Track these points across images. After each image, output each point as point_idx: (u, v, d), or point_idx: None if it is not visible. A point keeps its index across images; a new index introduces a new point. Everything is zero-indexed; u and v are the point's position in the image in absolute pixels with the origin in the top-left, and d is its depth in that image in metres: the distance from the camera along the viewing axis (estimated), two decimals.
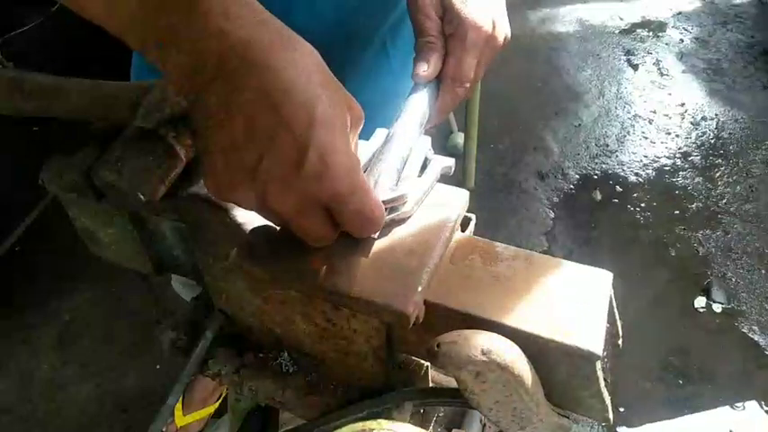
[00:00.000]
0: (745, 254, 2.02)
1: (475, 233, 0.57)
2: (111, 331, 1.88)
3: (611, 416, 0.49)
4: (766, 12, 3.09)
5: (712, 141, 2.43)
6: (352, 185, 0.43)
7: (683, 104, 2.60)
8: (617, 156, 2.40)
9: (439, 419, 0.65)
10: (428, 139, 0.57)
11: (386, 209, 0.50)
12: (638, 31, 3.02)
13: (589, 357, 0.44)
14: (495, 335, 0.44)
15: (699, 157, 2.37)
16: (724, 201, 2.20)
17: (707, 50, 2.87)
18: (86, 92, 0.51)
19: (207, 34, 0.39)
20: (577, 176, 2.33)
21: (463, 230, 0.56)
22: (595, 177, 2.32)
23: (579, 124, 2.55)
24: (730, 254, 2.03)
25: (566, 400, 0.49)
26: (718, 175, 2.30)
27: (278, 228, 0.50)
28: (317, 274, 0.48)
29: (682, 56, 2.85)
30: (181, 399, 1.58)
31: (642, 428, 1.56)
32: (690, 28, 3.02)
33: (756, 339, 1.80)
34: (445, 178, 0.56)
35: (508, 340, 0.44)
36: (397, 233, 0.51)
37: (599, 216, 2.18)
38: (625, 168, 2.34)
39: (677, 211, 2.18)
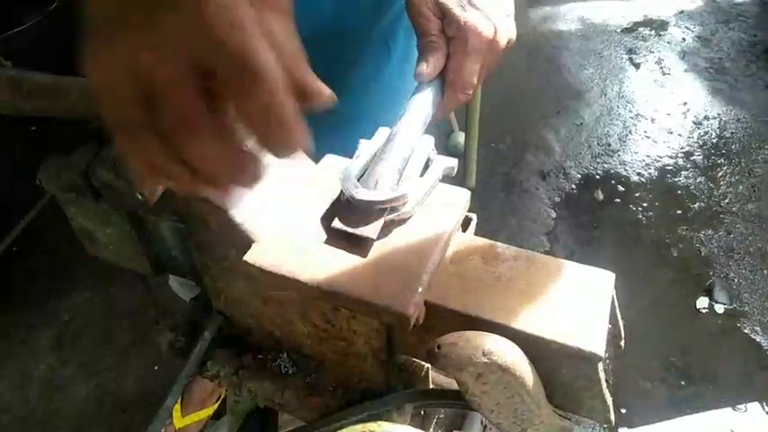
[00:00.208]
0: (747, 254, 2.02)
1: (476, 233, 0.57)
2: (109, 332, 1.87)
3: (612, 417, 0.49)
4: None
5: (714, 141, 2.43)
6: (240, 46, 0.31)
7: (685, 103, 2.59)
8: (619, 155, 2.39)
9: (439, 421, 0.65)
10: (431, 139, 0.57)
11: (386, 209, 0.50)
12: (641, 29, 3.01)
13: (591, 358, 0.43)
14: (496, 336, 0.44)
15: (701, 157, 2.36)
16: (726, 200, 2.20)
17: (709, 49, 2.87)
18: (85, 91, 0.51)
19: None
20: (579, 176, 2.32)
21: (464, 230, 0.56)
22: (597, 177, 2.31)
23: (581, 123, 2.54)
24: (732, 254, 2.02)
25: (567, 402, 0.49)
26: (720, 174, 2.29)
27: (278, 228, 0.49)
28: (316, 274, 0.47)
29: (684, 55, 2.84)
30: (179, 400, 1.57)
31: (644, 429, 1.55)
32: (692, 27, 3.01)
33: (759, 340, 1.80)
34: (446, 178, 0.56)
35: (509, 341, 0.44)
36: (398, 233, 0.50)
37: (601, 216, 2.18)
38: (627, 168, 2.34)
39: (679, 211, 2.17)
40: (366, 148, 0.56)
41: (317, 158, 0.59)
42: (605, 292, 0.47)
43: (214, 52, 0.31)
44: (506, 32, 0.62)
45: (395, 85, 0.89)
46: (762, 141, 2.41)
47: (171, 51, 0.31)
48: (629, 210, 2.18)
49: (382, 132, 0.58)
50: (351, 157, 0.56)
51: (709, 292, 1.91)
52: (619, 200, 2.22)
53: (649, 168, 2.33)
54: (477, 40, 0.58)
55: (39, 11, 1.96)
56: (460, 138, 2.28)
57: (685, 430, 1.54)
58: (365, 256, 0.48)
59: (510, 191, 2.29)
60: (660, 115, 2.55)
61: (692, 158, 2.36)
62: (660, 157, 2.37)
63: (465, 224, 0.56)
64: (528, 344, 0.44)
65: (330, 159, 0.58)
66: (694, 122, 2.51)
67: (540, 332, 0.45)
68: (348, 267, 0.48)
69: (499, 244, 0.53)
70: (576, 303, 0.46)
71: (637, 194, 2.23)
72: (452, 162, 0.56)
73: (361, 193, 0.50)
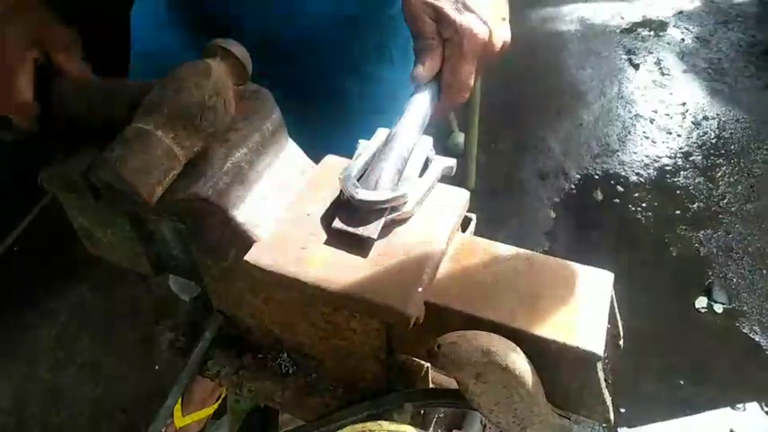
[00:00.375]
0: (746, 254, 2.02)
1: (475, 233, 0.57)
2: (110, 332, 1.87)
3: (611, 417, 0.49)
4: (767, 11, 3.08)
5: (713, 141, 2.43)
6: None
7: (684, 104, 2.59)
8: (618, 155, 2.39)
9: (439, 420, 0.65)
10: (430, 140, 0.57)
11: (386, 209, 0.50)
12: (640, 30, 3.02)
13: (590, 358, 0.44)
14: (495, 336, 0.44)
15: (700, 157, 2.36)
16: (725, 201, 2.20)
17: (708, 50, 2.87)
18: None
19: None
20: (578, 176, 2.32)
21: (464, 230, 0.56)
22: (596, 177, 2.31)
23: (580, 124, 2.54)
24: (731, 254, 2.02)
25: (567, 401, 0.49)
26: (719, 174, 2.29)
27: (278, 228, 0.49)
28: (316, 274, 0.47)
29: (683, 55, 2.85)
30: (180, 399, 1.57)
31: (643, 429, 1.55)
32: (691, 27, 3.01)
33: (757, 340, 1.80)
34: (446, 178, 0.56)
35: (509, 341, 0.44)
36: (398, 233, 0.51)
37: (600, 216, 2.18)
38: (626, 168, 2.34)
39: (678, 211, 2.17)
40: (366, 148, 0.56)
41: (317, 158, 0.59)
42: (604, 291, 0.48)
43: None
44: (501, 35, 0.62)
45: (393, 87, 0.89)
46: (761, 142, 2.41)
47: None
48: (628, 210, 2.19)
49: (382, 133, 0.58)
50: (351, 157, 0.56)
51: (708, 292, 1.91)
52: (618, 200, 2.22)
53: (648, 168, 2.33)
54: (471, 43, 0.59)
55: None
56: (460, 138, 2.28)
57: (685, 430, 1.54)
58: (365, 256, 0.49)
59: (509, 191, 2.29)
60: (659, 116, 2.55)
61: (690, 159, 2.36)
62: (659, 158, 2.37)
63: (465, 224, 0.56)
64: (527, 344, 0.45)
65: (330, 159, 0.58)
66: (693, 123, 2.51)
67: (540, 332, 0.45)
68: (348, 267, 0.48)
69: (499, 244, 0.53)
70: (575, 303, 0.47)
71: (636, 195, 2.24)
72: (451, 162, 0.56)
73: (361, 193, 0.50)
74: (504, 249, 0.52)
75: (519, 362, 0.44)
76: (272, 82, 0.60)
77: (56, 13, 0.63)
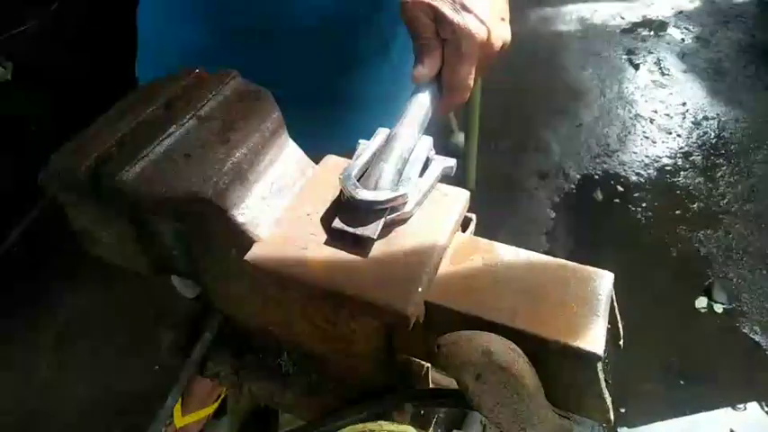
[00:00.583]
0: (746, 254, 2.02)
1: (475, 233, 0.57)
2: (110, 331, 1.87)
3: (612, 417, 0.49)
4: (767, 11, 3.08)
5: (713, 141, 2.43)
6: None
7: (684, 104, 2.59)
8: (618, 155, 2.39)
9: (439, 420, 0.65)
10: (430, 140, 0.57)
11: (386, 209, 0.50)
12: (640, 30, 3.02)
13: (590, 358, 0.44)
14: (495, 336, 0.44)
15: (700, 157, 2.36)
16: (725, 201, 2.20)
17: (708, 50, 2.87)
18: None
19: None
20: (578, 176, 2.32)
21: (463, 231, 0.56)
22: (596, 177, 2.31)
23: (580, 124, 2.54)
24: (731, 254, 2.02)
25: (567, 401, 0.49)
26: (719, 175, 2.29)
27: (278, 228, 0.49)
28: (316, 274, 0.47)
29: (683, 55, 2.85)
30: (180, 399, 1.57)
31: (643, 429, 1.55)
32: (691, 27, 3.01)
33: (758, 340, 1.80)
34: (446, 178, 0.56)
35: (509, 341, 0.44)
36: (398, 233, 0.51)
37: (600, 216, 2.18)
38: (626, 168, 2.34)
39: (678, 211, 2.17)
40: (366, 148, 0.56)
41: (317, 158, 0.59)
42: (604, 291, 0.48)
43: None
44: (500, 35, 0.62)
45: (393, 87, 0.89)
46: (760, 142, 2.42)
47: None
48: (628, 210, 2.19)
49: (382, 133, 0.58)
50: (351, 157, 0.56)
51: (708, 292, 1.91)
52: (618, 200, 2.23)
53: (648, 169, 2.33)
54: (470, 43, 0.58)
55: (40, 11, 1.96)
56: (460, 138, 2.28)
57: (685, 430, 1.54)
58: (365, 256, 0.49)
59: (509, 191, 2.29)
60: (659, 116, 2.55)
61: (690, 159, 2.36)
62: (659, 158, 2.37)
63: (465, 224, 0.56)
64: (527, 344, 0.45)
65: (330, 159, 0.58)
66: (693, 123, 2.51)
67: (540, 332, 0.45)
68: (348, 267, 0.48)
69: (499, 244, 0.53)
70: (575, 303, 0.46)
71: (636, 195, 2.24)
72: (451, 162, 0.56)
73: (361, 193, 0.50)
74: (504, 249, 0.52)
75: (519, 362, 0.44)
76: (273, 82, 0.60)
77: None
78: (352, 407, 0.56)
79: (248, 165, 0.53)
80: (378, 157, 0.54)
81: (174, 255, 0.63)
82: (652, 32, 3.00)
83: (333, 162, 0.58)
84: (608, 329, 0.46)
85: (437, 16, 0.59)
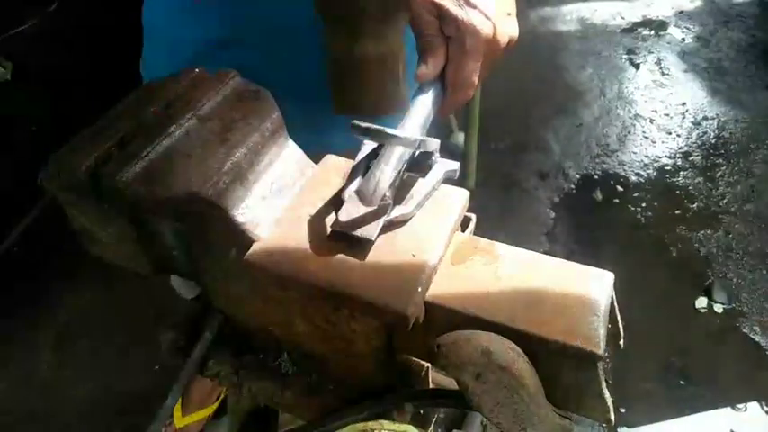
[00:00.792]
0: (746, 254, 2.02)
1: (475, 233, 0.57)
2: (110, 331, 1.87)
3: (612, 416, 0.49)
4: (767, 11, 3.08)
5: (713, 141, 2.43)
6: None
7: (684, 104, 2.59)
8: (618, 155, 2.39)
9: (439, 420, 0.65)
10: (437, 142, 0.56)
11: (386, 210, 0.50)
12: (640, 30, 3.02)
13: (590, 358, 0.44)
14: (495, 336, 0.44)
15: (700, 157, 2.36)
16: (725, 201, 2.20)
17: (708, 50, 2.87)
18: None
19: None
20: (578, 176, 2.32)
21: (463, 230, 0.56)
22: (596, 177, 2.31)
23: (580, 124, 2.54)
24: (731, 254, 2.02)
25: (567, 401, 0.49)
26: (719, 174, 2.29)
27: (278, 228, 0.49)
28: (316, 274, 0.47)
29: (683, 55, 2.85)
30: (180, 399, 1.57)
31: (643, 429, 1.55)
32: (691, 27, 3.01)
33: (758, 340, 1.80)
34: (447, 180, 0.56)
35: (509, 341, 0.44)
36: (398, 234, 0.51)
37: (600, 216, 2.18)
38: (626, 168, 2.34)
39: (678, 211, 2.17)
40: (367, 148, 0.56)
41: (317, 158, 0.59)
42: (604, 291, 0.48)
43: None
44: (507, 31, 0.61)
45: None
46: (760, 142, 2.42)
47: None
48: (627, 210, 2.19)
49: None
50: (351, 156, 0.56)
51: (708, 292, 1.91)
52: (618, 200, 2.22)
53: (648, 169, 2.33)
54: (475, 40, 0.58)
55: (39, 11, 1.96)
56: (460, 138, 2.28)
57: (685, 430, 1.54)
58: (365, 256, 0.49)
59: (509, 191, 2.29)
60: (659, 116, 2.55)
61: (690, 159, 2.36)
62: (659, 158, 2.37)
63: (464, 224, 0.56)
64: (528, 343, 0.45)
65: (330, 159, 0.58)
66: (693, 123, 2.51)
67: (540, 332, 0.45)
68: (348, 267, 0.48)
69: (499, 244, 0.53)
70: (575, 303, 0.47)
71: (636, 195, 2.24)
72: (454, 165, 0.56)
73: (361, 194, 0.50)
74: (504, 249, 0.52)
75: (519, 362, 0.44)
76: (273, 82, 0.59)
77: None
78: (353, 407, 0.56)
79: (248, 165, 0.53)
80: (379, 157, 0.54)
81: (174, 255, 0.63)
82: (652, 32, 3.00)
83: (333, 162, 0.58)
84: (608, 329, 0.46)
85: (441, 13, 0.58)
